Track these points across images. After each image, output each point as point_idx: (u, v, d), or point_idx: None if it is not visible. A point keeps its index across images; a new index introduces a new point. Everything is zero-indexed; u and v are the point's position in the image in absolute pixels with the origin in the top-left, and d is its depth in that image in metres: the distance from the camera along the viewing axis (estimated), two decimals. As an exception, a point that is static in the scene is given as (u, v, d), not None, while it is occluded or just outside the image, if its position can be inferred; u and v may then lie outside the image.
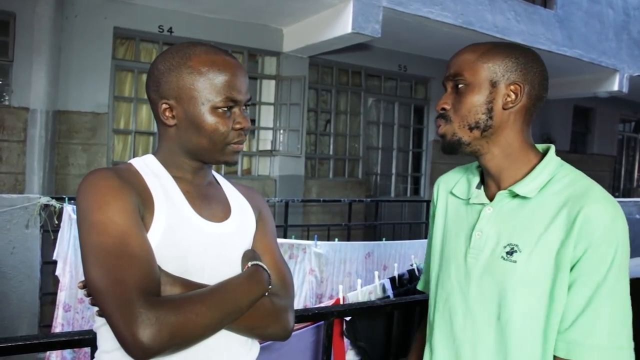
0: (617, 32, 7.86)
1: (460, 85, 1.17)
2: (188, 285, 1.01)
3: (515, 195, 1.16)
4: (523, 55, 1.16)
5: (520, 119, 1.17)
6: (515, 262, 1.11)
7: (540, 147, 1.23)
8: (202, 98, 1.05)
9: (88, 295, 1.02)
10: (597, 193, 1.09)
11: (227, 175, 5.60)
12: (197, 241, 1.06)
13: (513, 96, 1.14)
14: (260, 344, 1.21)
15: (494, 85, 1.14)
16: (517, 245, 1.12)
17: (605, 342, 1.03)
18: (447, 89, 1.21)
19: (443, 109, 1.20)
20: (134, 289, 0.89)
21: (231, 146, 1.09)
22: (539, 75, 1.16)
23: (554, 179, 1.15)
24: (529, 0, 6.73)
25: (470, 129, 1.16)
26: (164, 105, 1.07)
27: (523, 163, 1.18)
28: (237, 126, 1.08)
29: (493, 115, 1.15)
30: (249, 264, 1.10)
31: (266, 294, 1.08)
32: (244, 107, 1.11)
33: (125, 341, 0.88)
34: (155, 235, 1.00)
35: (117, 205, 0.96)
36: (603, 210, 1.06)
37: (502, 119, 1.15)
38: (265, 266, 1.11)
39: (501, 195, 1.18)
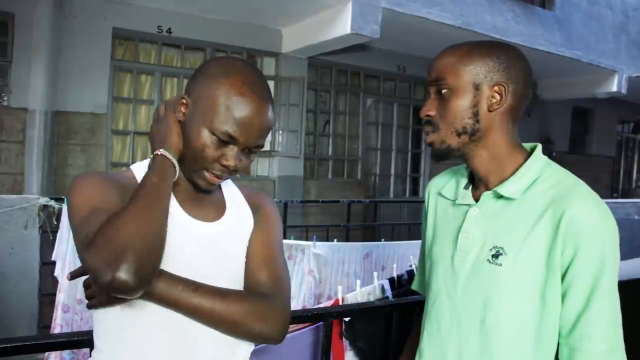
0: (616, 33, 7.87)
1: (443, 91, 1.14)
2: (173, 278, 1.00)
3: (500, 196, 1.14)
4: (504, 54, 1.13)
5: (506, 120, 1.15)
6: (500, 265, 1.10)
7: (528, 146, 1.21)
8: (210, 115, 1.02)
9: (88, 297, 1.03)
10: (581, 193, 1.07)
11: (226, 176, 5.61)
12: (182, 239, 1.05)
13: (498, 97, 1.12)
14: (256, 346, 1.20)
15: (477, 87, 1.12)
16: (502, 248, 1.10)
17: (603, 346, 1.03)
18: (430, 93, 1.18)
19: (428, 115, 1.17)
20: (85, 239, 0.92)
21: (207, 173, 1.06)
22: (522, 72, 1.14)
23: (540, 179, 1.13)
24: (528, 1, 6.73)
25: (459, 134, 1.14)
26: (183, 100, 1.07)
27: (509, 163, 1.16)
28: (223, 162, 1.04)
29: (480, 119, 1.13)
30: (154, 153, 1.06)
31: (175, 168, 1.04)
32: (247, 150, 1.07)
33: (107, 287, 0.88)
34: None
35: (97, 187, 1.01)
36: (587, 211, 1.04)
37: (489, 121, 1.13)
38: (165, 152, 1.04)
39: (486, 196, 1.17)
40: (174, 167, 1.04)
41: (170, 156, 1.03)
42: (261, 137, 1.07)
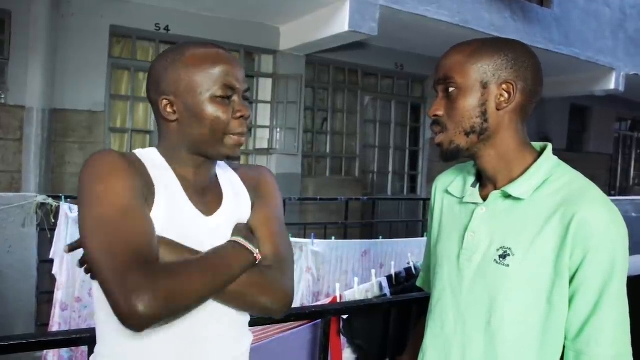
0: (614, 30, 7.87)
1: (451, 90, 1.12)
2: (185, 250, 1.02)
3: (509, 196, 1.13)
4: (512, 51, 1.11)
5: (516, 118, 1.13)
6: (508, 266, 1.08)
7: (538, 145, 1.19)
8: (201, 88, 1.06)
9: (87, 271, 1.04)
10: (592, 197, 1.06)
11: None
12: (193, 233, 1.06)
13: (506, 95, 1.10)
14: (256, 340, 1.20)
15: (485, 86, 1.10)
16: (510, 249, 1.09)
17: (610, 351, 1.02)
18: (438, 92, 1.17)
19: (436, 115, 1.15)
20: (130, 257, 0.90)
21: (232, 137, 1.08)
22: (531, 69, 1.12)
23: (549, 180, 1.11)
24: (526, -2, 6.74)
25: (467, 134, 1.12)
26: (165, 101, 1.08)
27: (519, 163, 1.14)
28: (238, 114, 1.08)
29: (488, 118, 1.11)
30: (229, 239, 1.09)
31: (257, 261, 1.08)
32: (243, 99, 1.11)
33: (121, 310, 0.87)
34: (156, 224, 1.01)
35: (120, 177, 0.98)
36: (598, 215, 1.03)
37: (498, 121, 1.11)
38: (242, 241, 1.08)
39: (494, 196, 1.15)
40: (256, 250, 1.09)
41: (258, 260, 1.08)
42: (244, 78, 1.12)
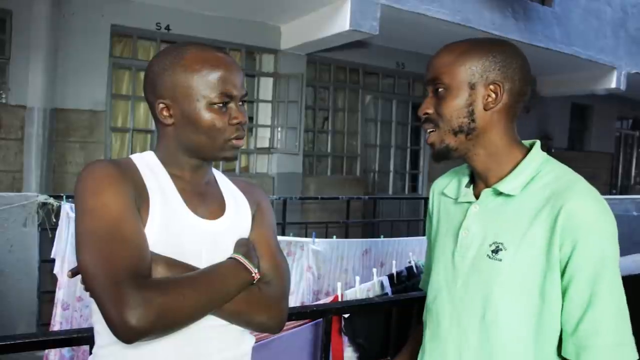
0: (615, 29, 7.87)
1: (439, 90, 1.15)
2: (182, 267, 1.02)
3: (500, 193, 1.15)
4: (500, 52, 1.13)
5: (504, 118, 1.15)
6: (500, 260, 1.10)
7: (527, 143, 1.22)
8: (198, 95, 1.05)
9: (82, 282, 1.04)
10: (579, 189, 1.07)
11: (225, 173, 5.61)
12: (192, 238, 1.06)
13: (493, 96, 1.12)
14: (257, 340, 1.21)
15: (472, 87, 1.12)
16: (502, 244, 1.11)
17: (610, 340, 1.02)
18: (429, 92, 1.19)
19: (426, 113, 1.18)
20: (123, 271, 0.91)
21: (230, 142, 1.09)
22: (519, 70, 1.14)
23: (539, 176, 1.13)
24: (527, -3, 6.74)
25: (455, 133, 1.15)
26: (161, 105, 1.08)
27: (508, 160, 1.16)
28: (234, 121, 1.08)
29: (475, 118, 1.13)
30: (229, 256, 1.10)
31: (255, 281, 1.08)
32: (240, 103, 1.11)
33: (113, 323, 0.89)
34: (150, 233, 1.01)
35: (112, 191, 0.98)
36: (585, 206, 1.04)
37: (485, 120, 1.14)
38: (242, 260, 1.09)
39: (486, 193, 1.18)
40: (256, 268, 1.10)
41: (255, 280, 1.08)
42: (243, 83, 1.12)
